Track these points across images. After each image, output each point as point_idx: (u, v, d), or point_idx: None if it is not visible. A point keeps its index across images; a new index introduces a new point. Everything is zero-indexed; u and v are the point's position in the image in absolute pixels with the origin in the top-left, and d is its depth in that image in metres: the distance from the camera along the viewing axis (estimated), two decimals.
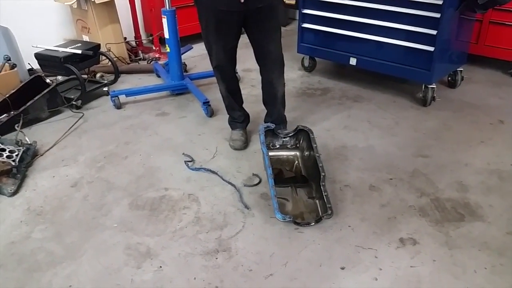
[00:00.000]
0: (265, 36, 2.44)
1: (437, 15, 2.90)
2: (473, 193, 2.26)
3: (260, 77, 2.66)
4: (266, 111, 2.79)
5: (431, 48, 3.00)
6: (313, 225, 2.03)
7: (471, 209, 2.14)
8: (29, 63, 3.69)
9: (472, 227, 2.02)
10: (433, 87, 3.15)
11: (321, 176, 2.12)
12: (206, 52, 2.57)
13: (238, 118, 2.79)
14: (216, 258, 1.88)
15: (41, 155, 2.71)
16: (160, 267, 1.84)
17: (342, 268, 1.81)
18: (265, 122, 2.75)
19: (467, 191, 2.27)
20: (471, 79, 3.63)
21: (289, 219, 1.99)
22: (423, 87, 3.18)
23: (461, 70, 3.46)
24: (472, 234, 1.98)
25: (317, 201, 2.17)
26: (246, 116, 2.84)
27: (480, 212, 2.12)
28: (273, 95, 2.66)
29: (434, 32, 2.95)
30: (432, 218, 2.08)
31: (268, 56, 2.51)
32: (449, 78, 3.50)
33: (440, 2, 2.85)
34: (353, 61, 3.46)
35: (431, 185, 2.32)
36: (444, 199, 2.22)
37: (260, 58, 2.54)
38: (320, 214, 2.06)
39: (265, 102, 2.76)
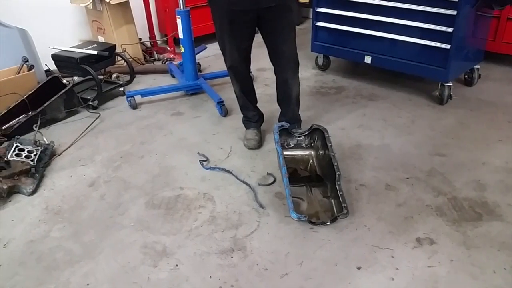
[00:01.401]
0: (279, 35, 2.43)
1: (453, 13, 2.86)
2: (491, 192, 2.23)
3: (274, 77, 2.66)
4: (280, 110, 2.78)
5: (447, 46, 2.96)
6: (328, 224, 2.02)
7: (489, 208, 2.11)
8: (46, 64, 3.76)
9: (491, 227, 1.99)
10: (450, 85, 3.11)
11: (337, 175, 2.11)
12: (220, 52, 2.58)
13: (252, 117, 2.79)
14: (232, 257, 1.88)
15: (59, 155, 2.75)
16: (176, 265, 1.86)
17: (358, 268, 1.80)
18: (279, 121, 2.75)
19: (485, 190, 2.24)
20: (488, 76, 3.57)
21: (304, 219, 1.98)
22: (439, 85, 3.14)
23: (478, 68, 3.41)
24: (490, 234, 1.95)
25: (332, 200, 2.16)
26: (260, 115, 2.84)
27: (498, 211, 2.09)
28: (287, 95, 2.66)
29: (450, 29, 2.91)
30: (449, 218, 2.06)
31: (282, 56, 2.50)
32: (466, 76, 3.46)
33: None
34: (368, 59, 3.44)
35: (448, 184, 2.29)
36: (461, 198, 2.19)
37: (274, 57, 2.54)
38: (336, 213, 2.05)
39: (279, 102, 2.75)
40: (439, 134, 2.78)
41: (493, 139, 2.70)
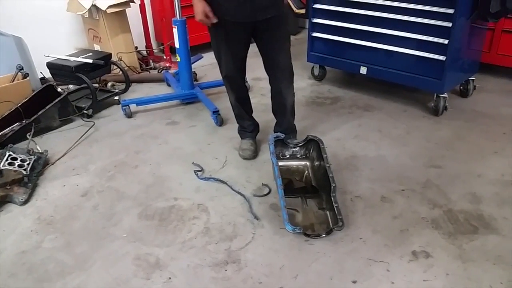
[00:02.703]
0: (274, 46, 2.44)
1: (449, 24, 2.88)
2: (486, 205, 2.22)
3: (269, 86, 2.65)
4: (275, 120, 2.78)
5: (443, 57, 2.98)
6: (323, 237, 2.00)
7: (485, 222, 2.10)
8: (41, 72, 3.74)
9: (486, 240, 1.98)
10: (445, 97, 3.12)
11: (332, 187, 2.10)
12: (216, 61, 2.57)
13: (248, 127, 2.78)
14: (226, 270, 1.86)
15: (52, 164, 2.73)
16: (169, 278, 1.83)
17: (354, 282, 1.78)
18: (274, 132, 2.75)
19: (480, 203, 2.23)
20: (483, 88, 3.59)
21: (299, 231, 1.97)
22: (435, 96, 3.15)
23: (473, 79, 3.43)
24: (486, 247, 1.94)
25: (327, 212, 2.14)
26: (256, 125, 2.83)
27: (494, 224, 2.08)
28: (282, 105, 2.65)
29: (445, 41, 2.92)
30: (445, 231, 2.04)
31: (277, 66, 2.50)
32: (461, 87, 3.47)
33: (452, 11, 2.83)
34: (363, 70, 3.45)
35: (444, 197, 2.29)
36: (457, 211, 2.18)
37: (269, 68, 2.54)
38: (331, 225, 2.04)
39: (274, 112, 2.75)
40: (435, 146, 2.78)
41: (488, 151, 2.71)
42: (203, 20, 2.30)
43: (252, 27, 2.37)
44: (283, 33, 2.45)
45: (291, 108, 2.69)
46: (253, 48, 2.50)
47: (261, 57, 2.53)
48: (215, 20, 2.30)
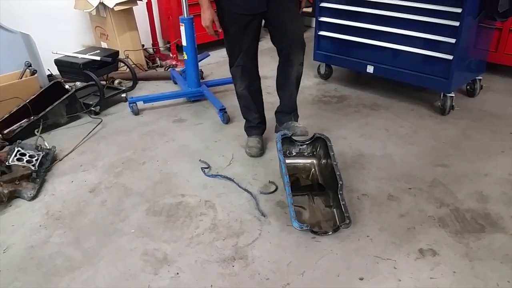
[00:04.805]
0: (288, 13, 2.40)
1: (456, 24, 2.87)
2: (493, 203, 2.22)
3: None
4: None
5: (450, 57, 2.97)
6: (330, 234, 2.01)
7: (491, 220, 2.10)
8: (48, 69, 3.76)
9: (493, 239, 1.98)
10: (452, 96, 3.12)
11: (339, 185, 2.10)
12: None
13: (253, 120, 2.75)
14: (233, 266, 1.87)
15: (60, 160, 2.75)
16: (177, 273, 1.84)
17: (361, 279, 1.78)
18: (276, 110, 2.77)
19: (487, 202, 2.23)
20: (490, 87, 3.58)
21: (306, 228, 1.97)
22: (442, 95, 3.15)
23: (480, 79, 3.42)
24: (493, 246, 1.94)
25: (334, 210, 2.15)
26: (263, 121, 2.82)
27: (501, 223, 2.08)
28: (287, 73, 2.57)
29: (453, 40, 2.92)
30: (452, 229, 2.05)
31: (290, 34, 2.44)
32: (468, 87, 3.46)
33: (459, 11, 2.82)
34: (370, 69, 3.44)
35: (451, 195, 2.29)
36: (464, 209, 2.18)
37: (280, 36, 2.48)
38: (338, 223, 2.04)
39: (278, 86, 2.68)
40: (442, 145, 2.78)
41: (495, 150, 2.70)
42: (209, 27, 2.38)
43: (262, 15, 2.39)
44: (296, 2, 2.43)
45: (296, 80, 2.60)
46: (260, 46, 2.51)
47: (270, 31, 2.51)
48: (220, 30, 2.41)
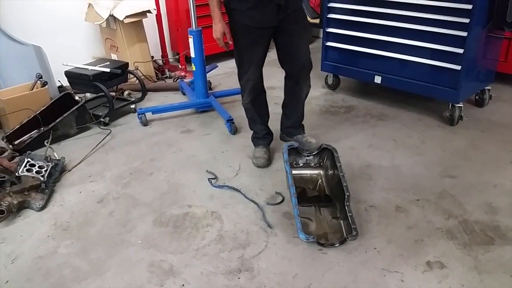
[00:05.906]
0: (295, 36, 2.47)
1: (464, 34, 2.86)
2: (503, 215, 2.19)
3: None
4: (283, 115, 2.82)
5: (458, 67, 2.96)
6: (337, 246, 1.99)
7: (501, 232, 2.07)
8: (59, 81, 3.82)
9: (503, 251, 1.95)
10: (461, 106, 3.09)
11: (346, 196, 2.09)
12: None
13: (260, 132, 2.78)
14: (239, 278, 1.87)
15: (69, 171, 2.78)
16: (183, 285, 1.84)
17: None
18: (282, 125, 2.83)
19: (496, 214, 2.20)
20: (499, 97, 3.55)
21: (312, 240, 1.96)
22: (450, 106, 3.13)
23: (489, 89, 3.39)
24: (502, 259, 1.91)
25: (341, 221, 2.14)
26: (269, 132, 2.83)
27: (511, 235, 2.05)
28: (298, 96, 2.70)
29: (461, 50, 2.91)
30: (460, 241, 2.02)
31: (297, 56, 2.51)
32: (477, 97, 3.44)
33: (467, 21, 2.82)
34: (378, 79, 3.44)
35: (459, 207, 2.26)
36: (472, 221, 2.15)
37: (288, 58, 2.54)
38: (345, 235, 2.03)
39: (286, 104, 2.78)
40: (450, 155, 2.76)
41: (504, 161, 2.67)
42: (220, 39, 2.44)
43: (273, 28, 2.42)
44: (303, 24, 2.52)
45: (305, 98, 2.74)
46: (267, 56, 2.52)
47: (278, 52, 2.55)
48: (230, 42, 2.47)
